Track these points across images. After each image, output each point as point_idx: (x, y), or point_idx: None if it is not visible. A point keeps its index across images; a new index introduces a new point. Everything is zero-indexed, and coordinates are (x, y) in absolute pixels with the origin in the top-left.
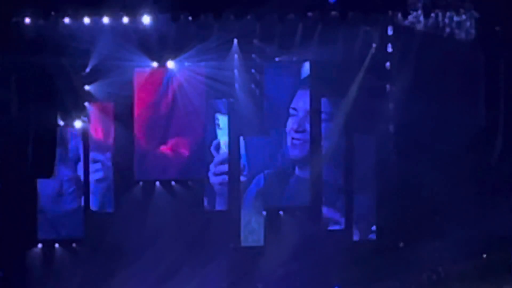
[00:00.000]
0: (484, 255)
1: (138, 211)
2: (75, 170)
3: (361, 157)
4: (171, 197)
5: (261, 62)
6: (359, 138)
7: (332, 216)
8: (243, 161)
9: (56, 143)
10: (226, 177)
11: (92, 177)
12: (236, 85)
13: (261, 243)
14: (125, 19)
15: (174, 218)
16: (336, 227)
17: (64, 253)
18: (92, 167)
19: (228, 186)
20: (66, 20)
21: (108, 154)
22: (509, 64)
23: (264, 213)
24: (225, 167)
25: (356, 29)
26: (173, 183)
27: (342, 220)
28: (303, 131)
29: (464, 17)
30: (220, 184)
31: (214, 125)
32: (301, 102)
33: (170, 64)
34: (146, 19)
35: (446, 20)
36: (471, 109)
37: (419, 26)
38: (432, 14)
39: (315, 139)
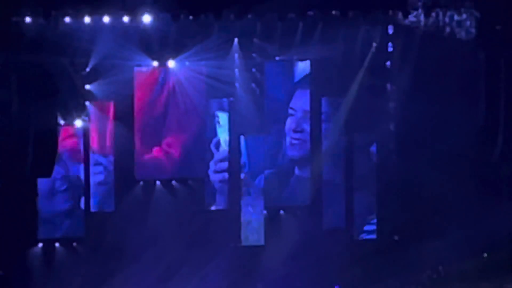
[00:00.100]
0: (485, 254)
1: (138, 210)
2: (67, 168)
3: (361, 157)
4: (171, 196)
5: (261, 61)
6: (360, 137)
7: (332, 216)
8: (243, 159)
9: (56, 142)
10: (226, 174)
11: (94, 179)
12: (237, 84)
13: (262, 242)
14: (126, 18)
15: (174, 218)
16: (336, 227)
17: (64, 252)
18: (93, 169)
19: (229, 186)
20: (67, 19)
21: (111, 158)
22: (509, 63)
23: (265, 212)
24: (225, 165)
25: (357, 28)
26: (173, 182)
27: (342, 219)
28: (302, 131)
29: (464, 16)
30: (221, 181)
31: (214, 122)
32: (299, 102)
33: (171, 63)
34: (147, 18)
35: (447, 19)
36: (471, 108)
37: (420, 25)
38: (433, 13)
39: (315, 139)
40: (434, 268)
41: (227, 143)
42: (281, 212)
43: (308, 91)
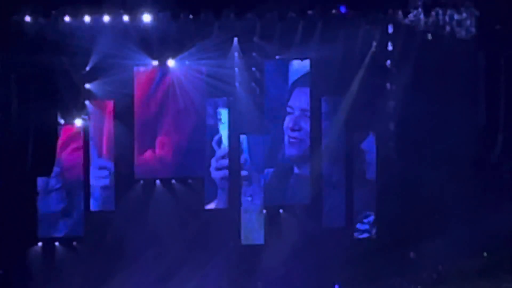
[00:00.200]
0: (485, 254)
1: (138, 209)
2: (63, 167)
3: (361, 156)
4: (171, 195)
5: (261, 60)
6: (359, 136)
7: (332, 214)
8: (244, 157)
9: (56, 141)
10: (227, 171)
11: (98, 183)
12: (237, 83)
13: (262, 241)
14: (126, 18)
15: (174, 217)
16: (336, 225)
17: (64, 251)
18: (99, 173)
19: (229, 185)
20: (67, 18)
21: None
22: (509, 62)
23: (265, 211)
24: (227, 162)
25: (357, 27)
26: (173, 181)
27: (342, 218)
28: (299, 130)
29: (464, 15)
30: (222, 178)
31: (216, 119)
32: (298, 100)
33: (171, 62)
34: (147, 18)
35: (447, 19)
36: (471, 107)
37: (420, 25)
38: (432, 13)
39: (315, 137)
40: (434, 267)
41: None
42: (281, 211)
43: (306, 90)
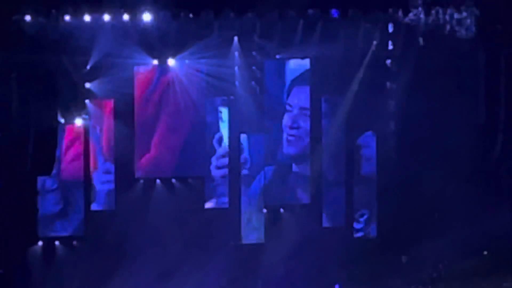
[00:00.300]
0: (485, 253)
1: (138, 209)
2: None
3: (361, 155)
4: (171, 195)
5: (261, 59)
6: (360, 135)
7: (333, 214)
8: (245, 155)
9: (56, 140)
10: (228, 170)
11: (102, 187)
12: (237, 82)
13: (262, 240)
14: (126, 17)
15: (174, 216)
16: (337, 225)
17: (64, 251)
18: (103, 177)
19: (229, 184)
20: (67, 17)
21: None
22: (509, 61)
23: (265, 210)
24: (227, 160)
25: (357, 26)
26: (173, 180)
27: (343, 217)
28: (298, 128)
29: (464, 14)
30: (222, 177)
31: (217, 118)
32: (296, 98)
33: (171, 61)
34: (147, 17)
35: (447, 18)
36: (471, 106)
37: (420, 24)
38: (433, 12)
39: (315, 136)
40: (434, 266)
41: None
42: (281, 210)
43: (305, 88)
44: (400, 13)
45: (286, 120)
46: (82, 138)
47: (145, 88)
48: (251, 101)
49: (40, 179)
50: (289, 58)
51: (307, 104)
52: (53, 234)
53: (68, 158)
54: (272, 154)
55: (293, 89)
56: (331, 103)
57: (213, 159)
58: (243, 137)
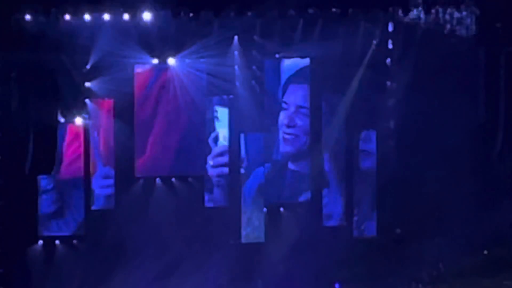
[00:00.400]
0: (485, 251)
1: (138, 208)
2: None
3: (361, 153)
4: (171, 194)
5: (261, 58)
6: (360, 134)
7: (333, 212)
8: (242, 154)
9: (56, 139)
10: (224, 169)
11: (102, 192)
12: (237, 82)
13: (262, 239)
14: (126, 16)
15: (174, 215)
16: (337, 224)
17: (64, 250)
18: (103, 182)
19: (229, 183)
20: (67, 16)
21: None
22: (509, 60)
23: (265, 209)
24: (223, 159)
25: (357, 25)
26: (173, 179)
27: (343, 216)
28: (294, 126)
29: (464, 13)
30: (218, 176)
31: (212, 117)
32: (292, 96)
33: (171, 61)
34: (147, 16)
35: (447, 17)
36: (471, 105)
37: (420, 23)
38: (433, 11)
39: (315, 135)
40: (434, 265)
41: (226, 138)
42: (281, 209)
43: (302, 86)
44: (400, 12)
45: (282, 118)
46: (82, 137)
47: (144, 87)
48: (251, 100)
49: (40, 178)
50: (290, 57)
51: (303, 102)
52: (53, 234)
53: (68, 157)
54: (269, 152)
55: (288, 87)
56: (331, 102)
57: (209, 158)
58: (242, 136)
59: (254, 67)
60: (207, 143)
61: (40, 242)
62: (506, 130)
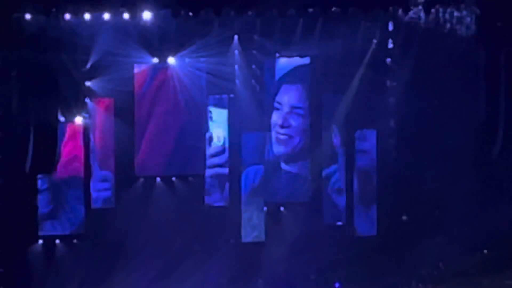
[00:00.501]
0: (485, 251)
1: (139, 207)
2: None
3: (361, 152)
4: (172, 193)
5: (261, 58)
6: (360, 133)
7: (333, 212)
8: (244, 154)
9: (57, 139)
10: (219, 170)
11: (99, 195)
12: (237, 81)
13: (262, 239)
14: (126, 15)
15: (174, 214)
16: (337, 223)
17: (65, 249)
18: (100, 185)
19: (229, 183)
20: (67, 16)
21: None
22: (510, 59)
23: (265, 209)
24: (217, 160)
25: (357, 25)
26: (173, 178)
27: (343, 216)
28: (288, 127)
29: (464, 12)
30: (212, 177)
31: (207, 117)
32: (286, 97)
33: (171, 60)
34: (147, 15)
35: (447, 16)
36: (471, 104)
37: (420, 22)
38: (433, 10)
39: (314, 135)
40: (434, 264)
41: (220, 139)
42: (282, 208)
43: (296, 86)
44: (400, 11)
45: (276, 118)
46: (81, 137)
47: (143, 87)
48: (251, 99)
49: (40, 177)
50: (290, 57)
51: (297, 102)
52: (53, 233)
53: (68, 156)
54: (263, 153)
55: (281, 87)
56: (331, 101)
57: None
58: (242, 135)
59: (254, 66)
60: (202, 143)
61: (40, 241)
62: (506, 129)
